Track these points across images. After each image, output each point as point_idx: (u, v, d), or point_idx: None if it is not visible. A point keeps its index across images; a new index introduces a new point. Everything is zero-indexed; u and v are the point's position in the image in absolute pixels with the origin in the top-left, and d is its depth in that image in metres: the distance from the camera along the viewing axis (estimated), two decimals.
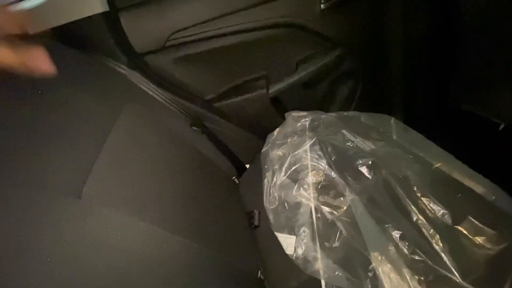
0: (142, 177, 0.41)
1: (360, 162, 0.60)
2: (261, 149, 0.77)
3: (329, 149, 0.67)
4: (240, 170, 0.81)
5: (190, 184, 0.53)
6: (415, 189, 0.51)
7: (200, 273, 0.40)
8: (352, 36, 0.76)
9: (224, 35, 0.69)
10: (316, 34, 0.75)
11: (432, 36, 0.78)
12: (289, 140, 0.76)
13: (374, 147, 0.62)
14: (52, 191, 0.29)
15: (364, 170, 0.58)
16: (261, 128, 0.81)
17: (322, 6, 0.72)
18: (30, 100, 0.35)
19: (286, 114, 0.81)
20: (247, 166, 0.86)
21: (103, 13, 0.54)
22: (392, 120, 0.70)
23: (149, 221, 0.35)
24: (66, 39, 0.52)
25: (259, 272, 0.54)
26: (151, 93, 0.64)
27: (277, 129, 0.79)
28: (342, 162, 0.64)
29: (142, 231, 0.34)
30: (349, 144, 0.65)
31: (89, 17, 0.52)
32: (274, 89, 0.81)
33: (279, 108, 0.85)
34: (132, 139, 0.45)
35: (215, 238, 0.48)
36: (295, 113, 0.82)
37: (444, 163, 0.55)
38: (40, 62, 0.28)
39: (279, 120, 0.80)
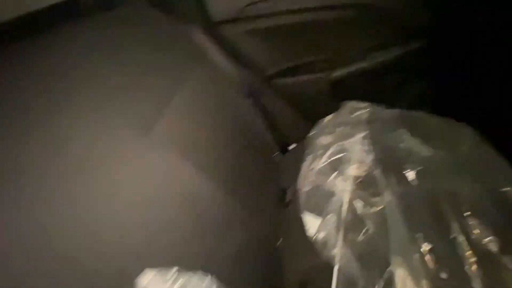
0: (199, 132, 0.47)
1: (409, 167, 0.56)
2: (308, 133, 0.77)
3: (379, 146, 0.64)
4: (283, 148, 0.84)
5: (236, 149, 0.58)
6: (464, 207, 0.46)
7: (228, 223, 0.45)
8: (438, 27, 0.66)
9: (297, 11, 0.69)
10: (397, 20, 0.68)
11: None
12: (339, 129, 0.75)
13: (431, 154, 0.57)
14: (128, 126, 0.36)
15: (410, 176, 0.54)
16: (313, 112, 0.81)
17: None
18: (116, 55, 0.43)
19: (343, 102, 0.79)
20: (291, 146, 0.87)
21: None
22: (467, 129, 0.62)
23: (199, 168, 0.41)
24: (156, 3, 0.60)
25: (278, 242, 0.57)
26: (218, 60, 0.69)
27: (329, 116, 0.78)
28: (390, 162, 0.60)
29: (191, 173, 0.40)
30: (403, 145, 0.61)
31: None
32: (336, 73, 0.78)
33: (337, 95, 0.83)
34: (196, 98, 0.51)
35: (246, 199, 0.53)
36: (353, 103, 0.79)
37: None
38: None
39: (334, 107, 0.78)
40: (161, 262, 0.29)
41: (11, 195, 0.22)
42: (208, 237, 0.39)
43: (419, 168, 0.54)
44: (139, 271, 0.27)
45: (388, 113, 0.73)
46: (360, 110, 0.77)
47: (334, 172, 0.67)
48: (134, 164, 0.35)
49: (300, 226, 0.59)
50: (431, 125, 0.64)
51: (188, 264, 0.33)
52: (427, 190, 0.51)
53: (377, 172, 0.60)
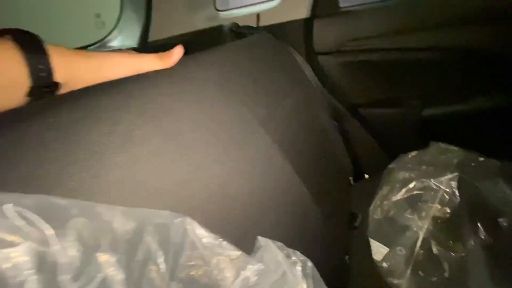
0: (293, 141, 0.55)
1: (504, 217, 0.51)
2: (386, 165, 0.77)
3: (471, 191, 0.60)
4: (358, 175, 0.85)
5: (318, 163, 0.64)
6: None
7: (305, 229, 0.50)
8: None
9: (394, 50, 0.73)
10: (505, 66, 0.65)
11: None
12: (424, 167, 0.73)
13: None
14: (247, 119, 0.46)
15: (504, 226, 0.50)
16: (395, 146, 0.81)
17: None
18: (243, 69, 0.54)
19: (431, 142, 0.77)
20: (366, 176, 0.88)
21: (305, 18, 0.72)
22: None
23: (292, 164, 0.47)
24: (273, 31, 0.75)
25: (346, 257, 0.59)
26: (313, 84, 0.78)
27: (414, 153, 0.76)
28: (481, 210, 0.56)
29: (287, 176, 0.47)
30: (500, 195, 0.56)
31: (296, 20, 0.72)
32: (428, 112, 0.77)
33: (425, 133, 0.81)
34: (294, 113, 0.60)
35: (320, 215, 0.57)
36: (443, 145, 0.76)
37: None
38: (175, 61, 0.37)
39: (420, 146, 0.77)
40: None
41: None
42: (287, 221, 0.44)
43: None
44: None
45: (486, 161, 0.68)
46: (451, 152, 0.74)
47: (411, 208, 0.65)
48: (247, 154, 0.42)
49: (367, 250, 0.60)
50: None
51: None
52: None
53: (464, 217, 0.56)
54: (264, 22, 0.76)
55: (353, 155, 0.86)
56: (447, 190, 0.64)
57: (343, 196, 0.73)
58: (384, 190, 0.72)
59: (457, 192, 0.63)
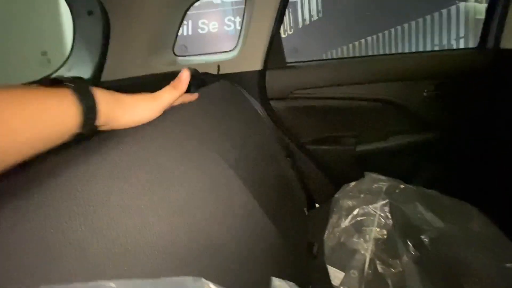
0: (256, 175, 0.60)
1: (425, 234, 0.65)
2: (333, 195, 0.89)
3: (398, 214, 0.74)
4: (310, 205, 0.94)
5: (276, 196, 0.70)
6: (473, 277, 0.53)
7: (267, 258, 0.53)
8: (447, 123, 0.83)
9: (332, 98, 0.89)
10: (413, 115, 0.86)
11: None
12: (362, 195, 0.86)
13: (443, 226, 0.66)
14: (219, 161, 0.49)
15: (426, 242, 0.63)
16: (338, 177, 0.94)
17: (424, 93, 0.85)
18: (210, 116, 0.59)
19: (365, 173, 0.92)
20: (316, 204, 0.98)
21: (259, 70, 0.83)
22: (474, 209, 0.72)
23: (253, 203, 0.52)
24: (232, 79, 0.82)
25: (310, 286, 0.64)
26: (268, 125, 0.87)
27: (354, 183, 0.90)
28: (407, 228, 0.69)
29: (250, 205, 0.51)
30: (419, 216, 0.71)
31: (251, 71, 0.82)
32: (361, 148, 0.94)
33: (360, 166, 0.97)
34: (255, 150, 0.66)
35: (279, 244, 0.61)
36: (374, 175, 0.92)
37: None
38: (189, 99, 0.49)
39: (357, 176, 0.91)
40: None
41: None
42: (249, 263, 0.47)
43: (433, 236, 0.63)
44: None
45: (405, 187, 0.85)
46: (381, 181, 0.89)
47: (357, 233, 0.76)
48: (218, 188, 0.45)
49: (326, 277, 0.66)
50: (443, 202, 0.74)
51: None
52: (442, 257, 0.59)
53: (396, 237, 0.68)
54: (222, 71, 0.84)
55: (304, 187, 0.96)
56: (382, 214, 0.77)
57: (300, 226, 0.80)
58: (334, 218, 0.81)
59: (389, 215, 0.76)
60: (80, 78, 0.31)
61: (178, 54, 0.93)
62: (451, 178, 0.87)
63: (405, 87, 0.85)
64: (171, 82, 0.41)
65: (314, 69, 0.92)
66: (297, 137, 0.95)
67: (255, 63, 0.84)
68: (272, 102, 0.91)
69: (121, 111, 0.33)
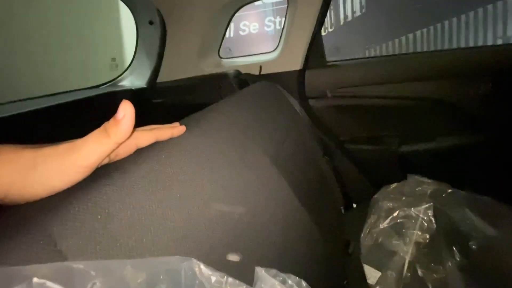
0: (294, 175, 0.63)
1: (474, 241, 0.61)
2: (371, 196, 0.87)
3: (444, 218, 0.70)
4: (347, 205, 0.94)
5: (313, 192, 0.71)
6: None
7: (305, 257, 0.55)
8: (503, 123, 0.76)
9: (373, 97, 0.87)
10: (465, 114, 0.80)
11: None
12: (404, 197, 0.83)
13: (496, 234, 0.61)
14: (259, 159, 0.53)
15: (475, 249, 0.60)
16: (378, 178, 0.92)
17: (479, 91, 0.78)
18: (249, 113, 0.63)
19: (409, 175, 0.88)
20: (354, 205, 0.97)
21: (299, 70, 0.86)
22: None
23: (297, 196, 0.54)
24: (271, 79, 0.86)
25: (345, 281, 0.65)
26: (306, 124, 0.89)
27: (395, 184, 0.87)
28: (454, 234, 0.66)
29: (289, 206, 0.53)
30: (468, 222, 0.67)
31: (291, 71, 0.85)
32: (405, 149, 0.90)
33: (402, 167, 0.93)
34: (293, 148, 0.69)
35: (318, 242, 0.63)
36: (419, 178, 0.88)
37: None
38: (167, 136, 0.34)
39: (399, 178, 0.88)
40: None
41: None
42: (298, 246, 0.50)
43: (483, 244, 0.59)
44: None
45: (453, 192, 0.80)
46: (425, 184, 0.85)
47: (396, 234, 0.74)
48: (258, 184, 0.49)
49: (362, 274, 0.66)
50: (497, 209, 0.69)
51: None
52: (490, 266, 0.55)
53: (440, 241, 0.65)
54: (263, 71, 0.88)
55: (342, 186, 0.95)
56: (425, 218, 0.74)
57: (337, 224, 0.81)
58: (372, 218, 0.80)
59: (433, 220, 0.73)
60: None
61: (222, 57, 1.00)
62: (505, 184, 0.79)
63: (456, 85, 0.79)
64: (104, 124, 0.26)
65: (354, 67, 0.91)
66: (336, 136, 0.95)
67: (296, 63, 0.87)
68: (311, 101, 0.93)
69: (32, 173, 0.23)
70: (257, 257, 0.40)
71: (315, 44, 0.88)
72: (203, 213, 0.34)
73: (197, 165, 0.38)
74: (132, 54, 0.90)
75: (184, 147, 0.38)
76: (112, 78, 0.92)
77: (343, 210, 0.89)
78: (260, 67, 0.84)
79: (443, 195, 0.80)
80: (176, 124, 0.38)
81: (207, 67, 0.94)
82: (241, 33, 2.95)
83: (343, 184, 0.95)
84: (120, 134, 0.25)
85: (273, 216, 0.47)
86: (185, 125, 0.41)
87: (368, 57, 0.92)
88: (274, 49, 0.93)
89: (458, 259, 0.61)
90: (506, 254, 0.57)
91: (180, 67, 0.94)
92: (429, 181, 0.86)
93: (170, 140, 0.36)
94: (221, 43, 0.97)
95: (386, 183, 0.89)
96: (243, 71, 0.90)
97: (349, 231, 0.82)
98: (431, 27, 2.58)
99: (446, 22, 2.53)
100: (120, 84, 0.95)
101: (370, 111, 0.90)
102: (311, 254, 0.55)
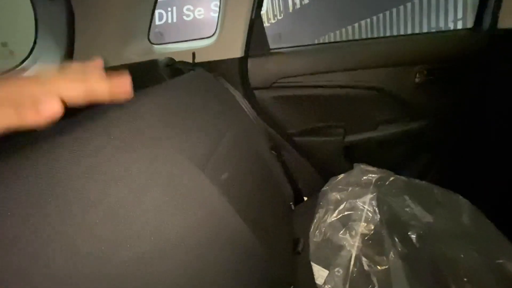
0: (236, 172, 0.56)
1: (413, 230, 0.61)
2: (321, 187, 0.86)
3: (386, 208, 0.71)
4: (298, 199, 0.91)
5: (260, 191, 0.66)
6: (462, 273, 0.50)
7: (249, 259, 0.50)
8: (440, 110, 0.79)
9: (319, 87, 0.84)
10: (404, 102, 0.81)
11: None
12: (350, 188, 0.82)
13: (432, 221, 0.63)
14: (188, 163, 0.45)
15: (414, 238, 0.60)
16: (326, 170, 0.90)
17: (416, 79, 0.79)
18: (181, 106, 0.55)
19: (355, 164, 0.88)
20: (305, 198, 0.94)
21: (239, 58, 0.77)
22: (465, 202, 0.68)
23: (234, 204, 0.48)
24: (211, 67, 0.77)
25: (291, 287, 0.61)
26: (251, 117, 0.83)
27: (342, 175, 0.86)
28: (395, 224, 0.66)
29: (228, 208, 0.47)
30: (408, 210, 0.68)
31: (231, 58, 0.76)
32: (350, 139, 0.89)
33: (349, 157, 0.93)
34: (234, 145, 0.62)
35: (266, 240, 0.58)
36: (364, 166, 0.88)
37: (510, 261, 0.51)
38: (124, 89, 0.28)
39: (346, 167, 0.88)
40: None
41: None
42: (230, 267, 0.44)
43: (421, 232, 0.60)
44: None
45: (395, 179, 0.81)
46: (370, 173, 0.85)
47: (343, 227, 0.73)
48: (188, 192, 0.41)
49: (310, 274, 0.63)
50: (434, 194, 0.71)
51: None
52: (429, 254, 0.56)
53: (383, 232, 0.65)
54: (198, 59, 0.78)
55: (291, 181, 0.92)
56: (369, 209, 0.73)
57: (286, 223, 0.77)
58: (321, 212, 0.78)
59: (377, 210, 0.72)
60: None
61: (154, 42, 0.87)
62: (444, 168, 0.83)
63: (395, 73, 0.79)
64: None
65: (300, 55, 0.86)
66: (282, 129, 0.90)
67: (235, 50, 0.79)
68: (256, 92, 0.86)
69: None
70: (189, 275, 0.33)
71: (256, 30, 0.80)
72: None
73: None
74: (30, 39, 0.73)
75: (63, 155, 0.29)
76: (9, 67, 0.74)
77: (293, 206, 0.86)
78: (193, 54, 0.74)
79: (386, 183, 0.81)
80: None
81: (134, 55, 0.81)
82: (185, 18, 2.74)
83: (293, 178, 0.92)
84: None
85: (203, 229, 0.40)
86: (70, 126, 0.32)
87: (312, 44, 0.87)
88: (212, 35, 0.83)
89: (400, 249, 0.61)
90: (442, 239, 0.58)
91: (100, 54, 0.79)
92: (374, 169, 0.86)
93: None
94: (150, 27, 0.84)
95: (335, 174, 0.87)
96: (177, 59, 0.79)
97: (299, 228, 0.79)
98: (376, 17, 2.71)
99: (388, 12, 2.68)
100: (23, 75, 0.77)
101: (316, 101, 0.86)
102: (254, 264, 0.49)
